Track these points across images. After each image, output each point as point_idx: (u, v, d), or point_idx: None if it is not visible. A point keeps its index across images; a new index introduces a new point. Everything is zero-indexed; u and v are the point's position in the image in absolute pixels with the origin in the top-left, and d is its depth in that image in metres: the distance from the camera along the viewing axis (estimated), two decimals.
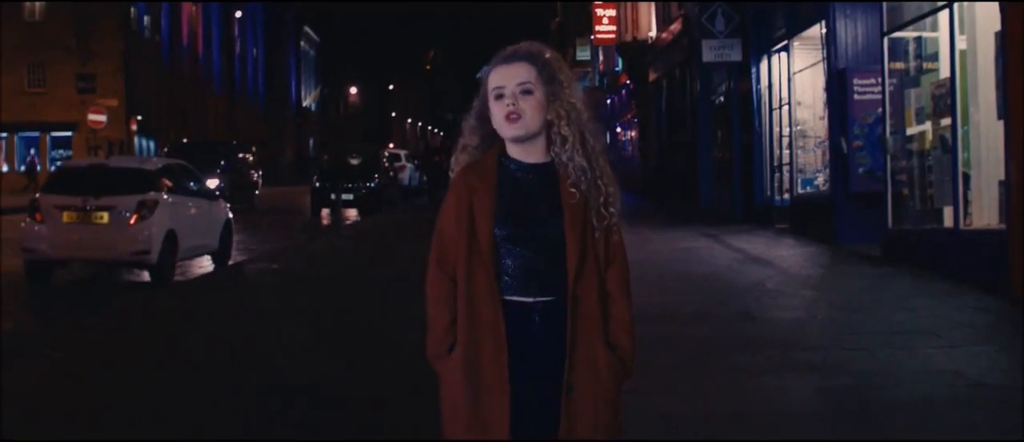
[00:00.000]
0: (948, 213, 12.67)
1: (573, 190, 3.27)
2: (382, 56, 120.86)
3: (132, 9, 54.34)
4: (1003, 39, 11.06)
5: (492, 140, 3.38)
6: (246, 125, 73.09)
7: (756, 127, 20.42)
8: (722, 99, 23.69)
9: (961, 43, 12.34)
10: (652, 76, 31.44)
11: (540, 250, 3.25)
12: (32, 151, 51.50)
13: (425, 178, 36.48)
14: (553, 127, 3.30)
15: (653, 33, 31.12)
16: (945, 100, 12.55)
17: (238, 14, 73.30)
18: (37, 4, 52.09)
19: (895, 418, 6.45)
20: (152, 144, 53.99)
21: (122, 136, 49.57)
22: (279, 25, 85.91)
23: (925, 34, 13.67)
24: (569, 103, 3.32)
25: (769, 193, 20.12)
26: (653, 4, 31.23)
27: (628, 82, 35.71)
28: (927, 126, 13.41)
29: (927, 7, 13.01)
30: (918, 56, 14.01)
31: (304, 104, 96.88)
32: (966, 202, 12.38)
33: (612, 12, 34.97)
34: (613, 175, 3.37)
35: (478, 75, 3.40)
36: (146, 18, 56.61)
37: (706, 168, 24.74)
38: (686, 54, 25.62)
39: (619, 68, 37.15)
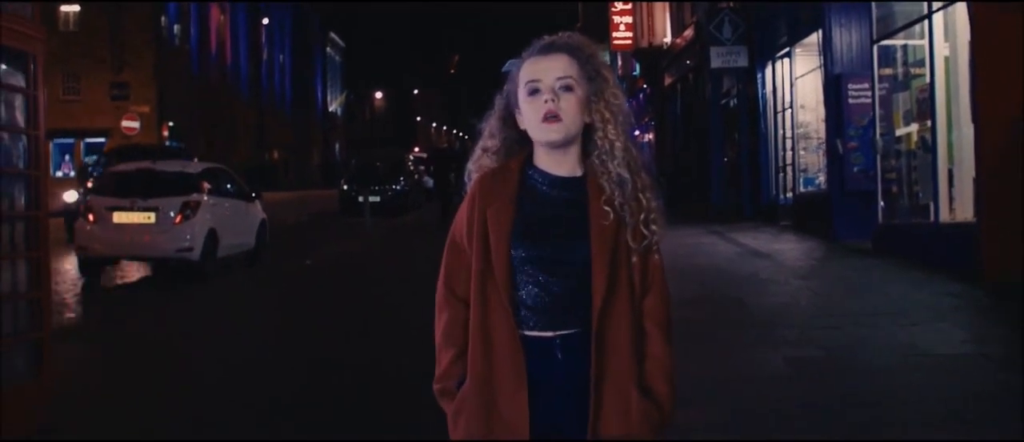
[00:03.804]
0: (943, 207, 13.65)
1: (607, 208, 2.80)
2: (407, 61, 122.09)
3: (163, 18, 55.68)
4: (972, 45, 12.10)
5: (516, 145, 2.94)
6: (274, 130, 74.47)
7: (762, 129, 21.47)
8: (734, 102, 24.70)
9: (946, 50, 13.36)
10: (667, 80, 32.47)
11: (564, 276, 2.78)
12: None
13: (434, 183, 34.15)
14: (596, 131, 2.86)
15: (668, 39, 32.16)
16: (928, 103, 13.56)
17: (265, 21, 74.58)
18: (72, 15, 53.54)
19: (849, 380, 7.50)
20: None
21: (154, 142, 50.81)
22: (306, 32, 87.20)
23: (912, 42, 14.70)
24: (614, 104, 2.88)
25: (775, 192, 21.15)
26: (668, 11, 32.26)
27: (645, 86, 36.75)
28: (913, 128, 14.45)
29: (915, 14, 14.01)
30: (905, 62, 15.05)
31: (330, 109, 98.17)
32: (950, 198, 13.40)
33: (629, 19, 35.99)
34: (655, 188, 2.90)
35: (504, 68, 3.02)
36: (176, 27, 57.93)
37: (717, 168, 25.77)
38: (698, 59, 26.62)
39: (636, 72, 38.18)
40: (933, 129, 13.28)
